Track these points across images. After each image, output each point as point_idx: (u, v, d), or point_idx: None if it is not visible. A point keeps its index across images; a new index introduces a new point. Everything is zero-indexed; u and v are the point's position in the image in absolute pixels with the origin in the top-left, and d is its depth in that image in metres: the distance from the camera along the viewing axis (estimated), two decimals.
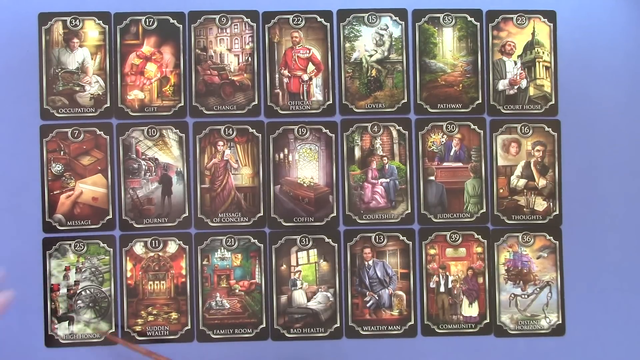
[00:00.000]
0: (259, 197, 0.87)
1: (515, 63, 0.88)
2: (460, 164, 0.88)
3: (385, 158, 0.88)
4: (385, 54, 0.88)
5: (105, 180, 0.86)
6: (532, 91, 0.88)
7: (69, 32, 0.86)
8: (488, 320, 0.87)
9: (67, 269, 0.85)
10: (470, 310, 0.87)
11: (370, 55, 0.88)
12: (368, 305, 0.87)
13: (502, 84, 0.88)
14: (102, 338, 0.85)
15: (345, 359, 0.86)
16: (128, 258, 0.86)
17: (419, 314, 0.87)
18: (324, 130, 0.87)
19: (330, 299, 0.87)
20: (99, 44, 0.86)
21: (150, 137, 0.86)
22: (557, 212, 0.88)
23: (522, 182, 0.88)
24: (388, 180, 0.88)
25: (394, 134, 0.88)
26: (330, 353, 0.86)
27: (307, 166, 0.87)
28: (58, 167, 0.85)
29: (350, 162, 0.87)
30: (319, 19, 0.88)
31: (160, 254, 0.86)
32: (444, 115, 0.88)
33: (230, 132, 0.87)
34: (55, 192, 0.85)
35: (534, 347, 0.87)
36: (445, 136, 0.88)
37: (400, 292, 0.87)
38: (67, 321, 0.85)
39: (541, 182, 0.88)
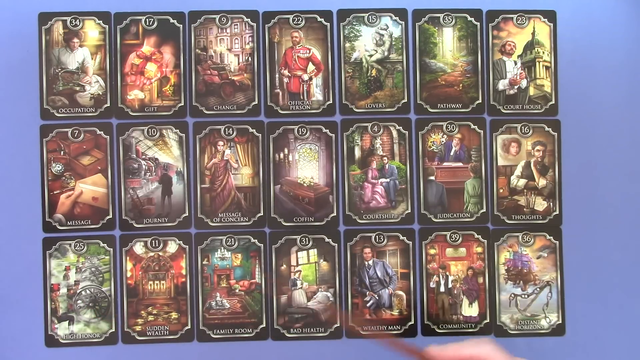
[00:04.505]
0: (259, 197, 0.87)
1: (515, 63, 0.88)
2: (460, 164, 0.88)
3: (385, 158, 0.88)
4: (385, 53, 0.88)
5: (105, 180, 0.86)
6: (532, 91, 0.88)
7: (69, 32, 0.86)
8: (488, 320, 0.87)
9: (67, 268, 0.85)
10: (470, 310, 0.87)
11: (370, 55, 0.88)
12: (368, 305, 0.87)
13: (502, 84, 0.88)
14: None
15: (345, 359, 0.86)
16: (128, 258, 0.86)
17: (419, 314, 0.87)
18: (324, 130, 0.87)
19: (330, 299, 0.87)
20: (99, 44, 0.86)
21: (150, 137, 0.86)
22: (557, 212, 0.88)
23: (522, 182, 0.88)
24: (388, 180, 0.88)
25: (394, 133, 0.88)
26: (330, 353, 0.86)
27: (307, 166, 0.87)
28: (58, 167, 0.85)
29: (350, 162, 0.87)
30: (319, 19, 0.88)
31: (160, 253, 0.86)
32: (444, 115, 0.88)
33: (230, 132, 0.87)
34: (55, 192, 0.85)
35: (534, 347, 0.87)
36: (445, 136, 0.88)
37: (400, 292, 0.87)
38: (67, 321, 0.85)
39: (541, 182, 0.88)
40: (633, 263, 0.88)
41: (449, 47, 0.88)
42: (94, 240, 0.86)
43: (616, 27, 0.89)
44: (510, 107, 0.88)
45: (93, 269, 0.86)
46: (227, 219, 0.86)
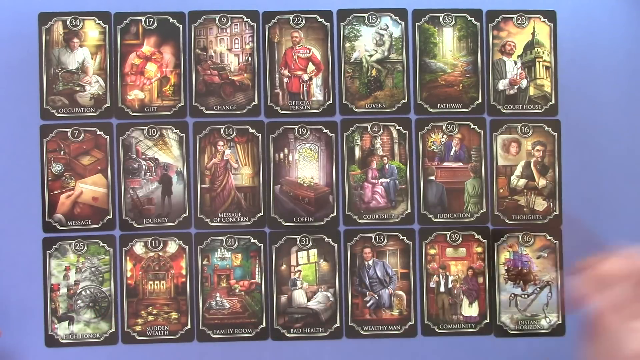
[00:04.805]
0: (259, 197, 0.87)
1: (515, 63, 0.88)
2: (460, 164, 0.88)
3: (385, 158, 0.88)
4: (385, 53, 0.88)
5: (105, 180, 0.86)
6: (532, 91, 0.88)
7: (69, 32, 0.86)
8: (488, 320, 0.87)
9: (67, 268, 0.85)
10: (470, 310, 0.87)
11: (370, 55, 0.88)
12: (368, 305, 0.87)
13: (502, 84, 0.88)
14: None
15: (345, 359, 0.86)
16: (128, 258, 0.86)
17: (419, 314, 0.87)
18: (324, 130, 0.87)
19: (330, 299, 0.87)
20: (99, 44, 0.86)
21: (150, 137, 0.86)
22: (557, 212, 0.88)
23: (522, 182, 0.88)
24: (388, 180, 0.88)
25: (394, 133, 0.88)
26: (330, 353, 0.86)
27: (307, 166, 0.87)
28: (58, 167, 0.85)
29: (350, 162, 0.87)
30: (319, 19, 0.88)
31: (160, 254, 0.86)
32: (444, 115, 0.88)
33: (230, 132, 0.87)
34: (55, 192, 0.85)
35: (534, 347, 0.87)
36: (445, 136, 0.88)
37: (400, 292, 0.87)
38: (67, 321, 0.85)
39: (541, 182, 0.88)
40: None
41: (449, 47, 0.88)
42: (94, 240, 0.86)
43: (616, 27, 0.89)
44: (510, 107, 0.88)
45: (93, 269, 0.86)
46: (227, 219, 0.86)
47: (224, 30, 0.87)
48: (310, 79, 0.87)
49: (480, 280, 0.87)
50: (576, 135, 0.88)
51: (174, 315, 0.86)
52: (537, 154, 0.88)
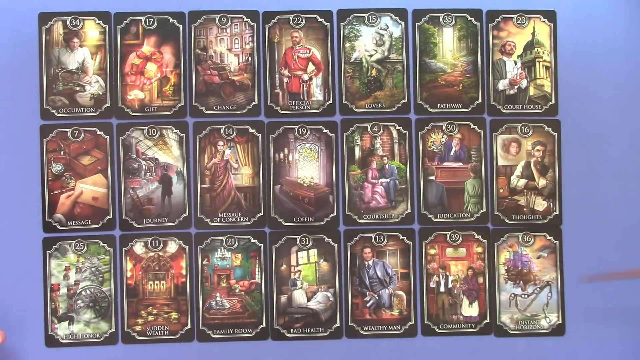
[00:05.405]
0: (259, 197, 0.87)
1: (515, 63, 0.88)
2: (460, 164, 0.88)
3: (385, 158, 0.88)
4: (385, 53, 0.88)
5: (105, 180, 0.86)
6: (532, 91, 0.88)
7: (69, 32, 0.86)
8: (488, 320, 0.87)
9: (67, 268, 0.85)
10: (470, 310, 0.87)
11: (371, 55, 0.88)
12: (368, 305, 0.87)
13: (502, 84, 0.88)
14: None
15: (345, 359, 0.86)
16: (128, 258, 0.86)
17: (419, 314, 0.87)
18: (324, 130, 0.87)
19: (330, 299, 0.87)
20: (99, 44, 0.86)
21: (150, 137, 0.86)
22: (557, 212, 0.88)
23: (522, 182, 0.88)
24: (388, 180, 0.88)
25: (394, 133, 0.88)
26: (330, 353, 0.86)
27: (307, 166, 0.87)
28: (58, 167, 0.85)
29: (350, 162, 0.87)
30: (319, 19, 0.88)
31: (160, 253, 0.86)
32: (444, 115, 0.88)
33: (231, 132, 0.87)
34: (55, 192, 0.85)
35: (534, 347, 0.87)
36: (445, 136, 0.88)
37: (400, 292, 0.87)
38: (67, 321, 0.85)
39: (541, 182, 0.88)
40: (633, 263, 0.88)
41: (449, 47, 0.88)
42: (94, 240, 0.86)
43: (616, 27, 0.89)
44: (510, 107, 0.88)
45: (93, 269, 0.86)
46: (227, 219, 0.86)
47: (224, 30, 0.87)
48: (310, 79, 0.87)
49: (480, 280, 0.88)
50: (576, 135, 0.88)
51: (174, 315, 0.86)
52: (537, 154, 0.88)
